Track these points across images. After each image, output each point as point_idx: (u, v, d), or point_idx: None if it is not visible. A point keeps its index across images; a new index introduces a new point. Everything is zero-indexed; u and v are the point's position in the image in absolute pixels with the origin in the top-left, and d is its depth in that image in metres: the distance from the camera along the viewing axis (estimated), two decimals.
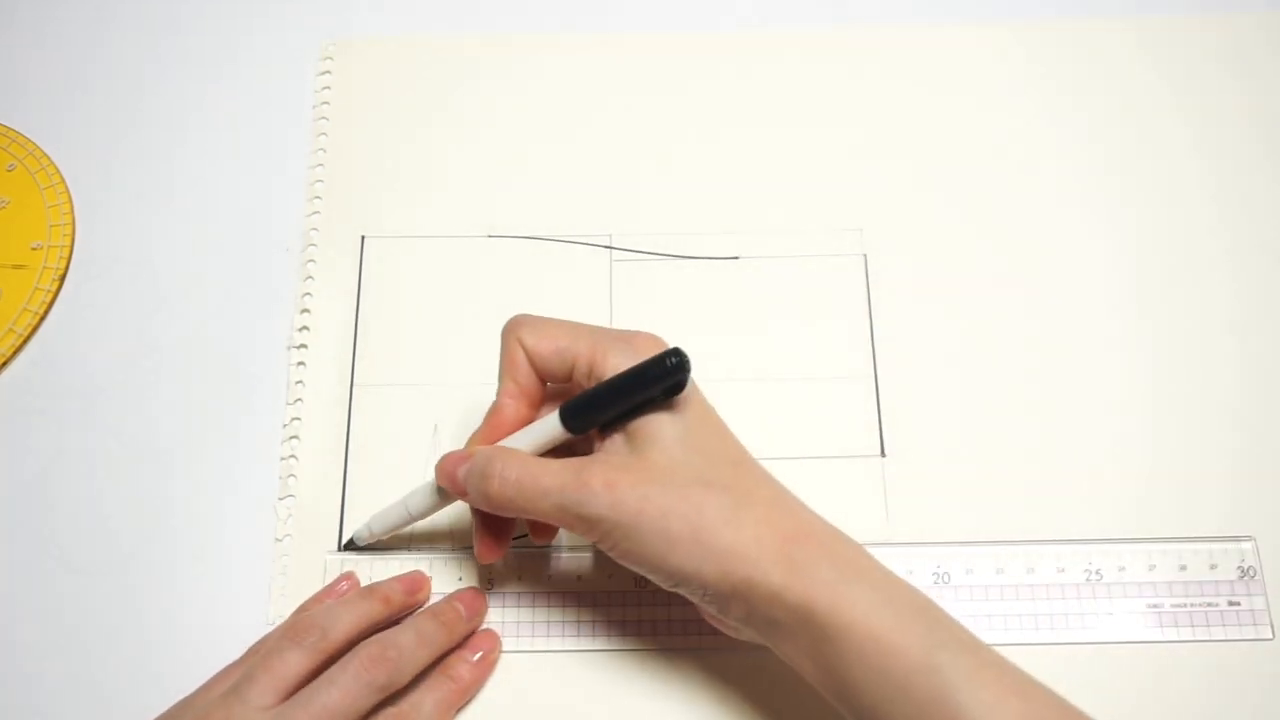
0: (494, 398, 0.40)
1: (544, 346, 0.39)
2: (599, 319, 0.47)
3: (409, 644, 0.39)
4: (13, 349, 0.48)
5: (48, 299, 0.49)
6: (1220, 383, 0.46)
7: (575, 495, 0.36)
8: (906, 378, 0.46)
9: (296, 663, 0.38)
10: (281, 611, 0.42)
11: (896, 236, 0.49)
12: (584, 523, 0.36)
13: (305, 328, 0.48)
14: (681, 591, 0.37)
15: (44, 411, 0.47)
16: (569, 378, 0.39)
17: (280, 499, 0.44)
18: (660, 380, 0.36)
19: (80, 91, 0.54)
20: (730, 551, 0.35)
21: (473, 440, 0.40)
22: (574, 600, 0.43)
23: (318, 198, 0.50)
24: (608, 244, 0.49)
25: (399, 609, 0.42)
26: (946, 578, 0.43)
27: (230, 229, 0.50)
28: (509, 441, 0.39)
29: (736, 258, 0.49)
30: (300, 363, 0.47)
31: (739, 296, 0.48)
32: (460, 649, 0.42)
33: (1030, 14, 0.55)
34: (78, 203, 0.51)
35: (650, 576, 0.37)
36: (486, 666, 0.42)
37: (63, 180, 0.52)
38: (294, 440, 0.45)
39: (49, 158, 0.52)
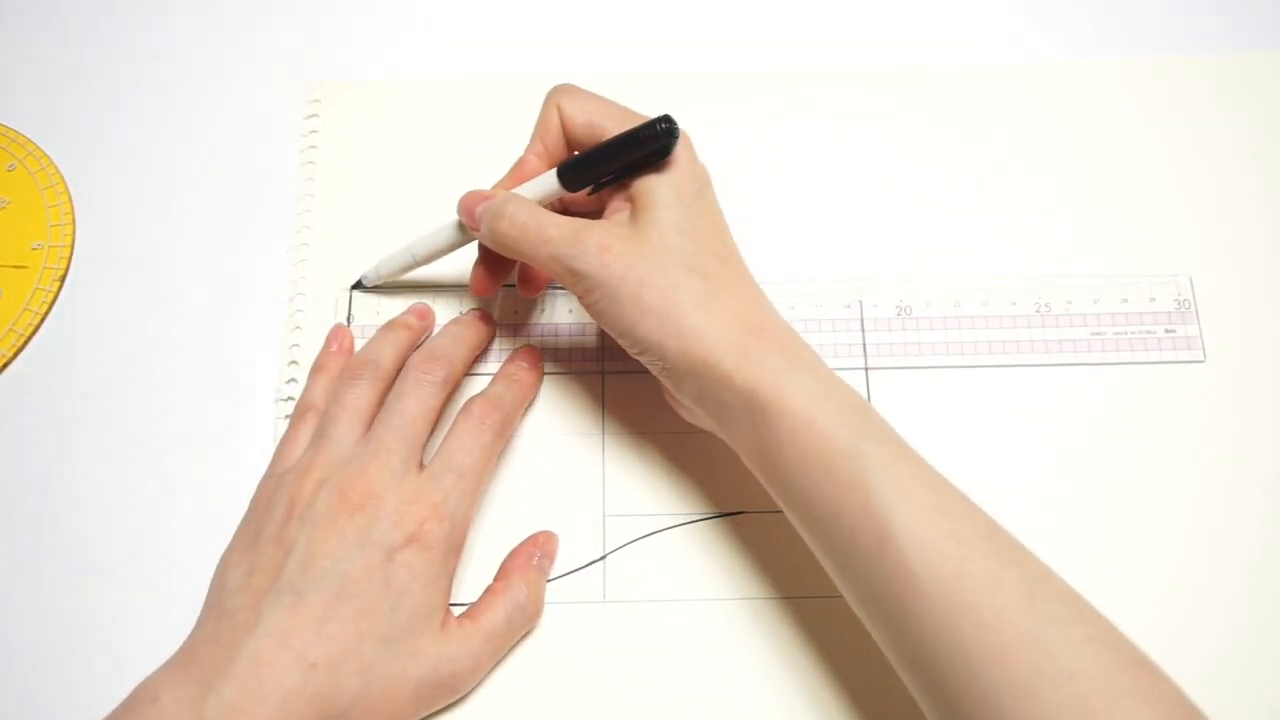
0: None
1: (579, 115, 0.42)
2: (589, 364, 0.48)
3: (447, 343, 0.45)
4: (13, 349, 0.49)
5: (48, 299, 0.50)
6: None
7: (570, 249, 0.40)
8: (900, 416, 0.46)
9: (366, 395, 0.43)
10: None
11: (892, 280, 0.50)
12: (573, 276, 0.40)
13: (293, 379, 0.48)
14: (643, 360, 0.41)
15: (44, 411, 0.48)
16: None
17: None
18: (648, 143, 0.40)
19: (80, 92, 0.55)
20: (693, 331, 0.38)
21: (496, 188, 0.44)
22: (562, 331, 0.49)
23: (305, 245, 0.51)
24: None
25: (419, 334, 0.47)
26: (909, 310, 0.49)
27: (219, 270, 0.51)
28: (517, 191, 0.43)
29: None
30: (288, 415, 0.47)
31: None
32: (509, 361, 0.47)
33: (1040, 53, 0.56)
34: (78, 203, 0.52)
35: (619, 339, 0.41)
36: (538, 373, 0.47)
37: (63, 180, 0.53)
38: None
39: (49, 158, 0.53)
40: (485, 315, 0.48)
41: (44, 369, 0.48)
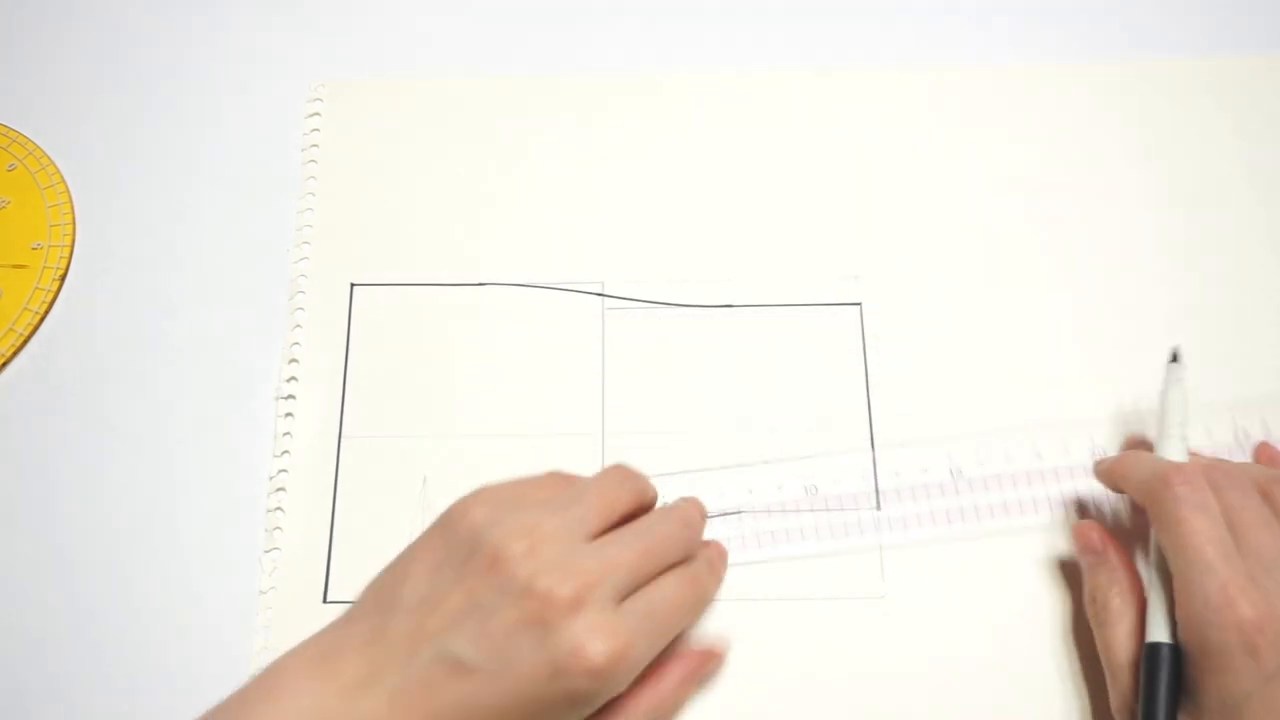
0: None
1: None
2: (592, 367, 0.48)
3: (695, 520, 0.42)
4: (13, 349, 0.48)
5: (48, 299, 0.50)
6: None
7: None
8: (902, 427, 0.46)
9: (625, 504, 0.41)
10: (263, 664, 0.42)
11: (893, 284, 0.49)
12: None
13: (293, 378, 0.48)
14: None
15: (44, 411, 0.47)
16: None
17: (266, 551, 0.45)
18: None
19: (81, 92, 0.55)
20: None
21: None
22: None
23: (306, 243, 0.50)
24: (600, 291, 0.49)
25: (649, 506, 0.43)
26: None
27: (219, 270, 0.51)
28: None
29: (729, 305, 0.48)
30: (288, 413, 0.47)
31: (732, 345, 0.48)
32: (703, 548, 0.43)
33: (1016, 56, 0.55)
34: (78, 203, 0.52)
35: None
36: (723, 563, 0.44)
37: (63, 180, 0.52)
38: (280, 493, 0.45)
39: (49, 158, 0.53)
40: (702, 510, 0.44)
41: (44, 369, 0.48)
